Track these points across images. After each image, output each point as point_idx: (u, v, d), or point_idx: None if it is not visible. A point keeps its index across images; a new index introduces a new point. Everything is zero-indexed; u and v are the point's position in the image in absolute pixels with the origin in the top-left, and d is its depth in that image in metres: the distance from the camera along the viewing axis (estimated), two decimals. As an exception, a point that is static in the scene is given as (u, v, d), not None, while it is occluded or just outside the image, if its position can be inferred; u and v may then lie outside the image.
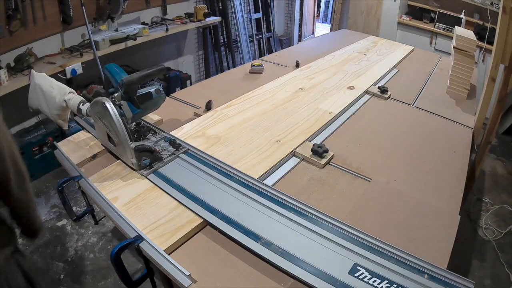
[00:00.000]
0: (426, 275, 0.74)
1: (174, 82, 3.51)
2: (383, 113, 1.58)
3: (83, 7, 2.57)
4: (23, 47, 2.45)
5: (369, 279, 0.73)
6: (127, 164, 1.09)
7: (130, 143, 1.02)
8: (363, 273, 0.74)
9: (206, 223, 0.89)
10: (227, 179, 1.02)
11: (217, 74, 3.65)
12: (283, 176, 1.11)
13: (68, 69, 2.44)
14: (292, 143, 1.25)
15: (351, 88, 1.75)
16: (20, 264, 0.87)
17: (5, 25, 2.33)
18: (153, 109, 1.21)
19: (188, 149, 1.16)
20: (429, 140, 1.39)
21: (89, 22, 2.63)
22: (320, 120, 1.42)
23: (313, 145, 1.20)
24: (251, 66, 2.01)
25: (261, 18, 4.70)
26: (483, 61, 3.45)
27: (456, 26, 2.45)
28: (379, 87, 1.75)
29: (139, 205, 0.94)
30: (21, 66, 2.34)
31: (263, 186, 0.99)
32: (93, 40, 2.63)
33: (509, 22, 1.39)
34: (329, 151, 1.20)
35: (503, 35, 1.42)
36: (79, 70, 2.52)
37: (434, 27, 3.83)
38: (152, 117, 1.38)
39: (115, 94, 1.07)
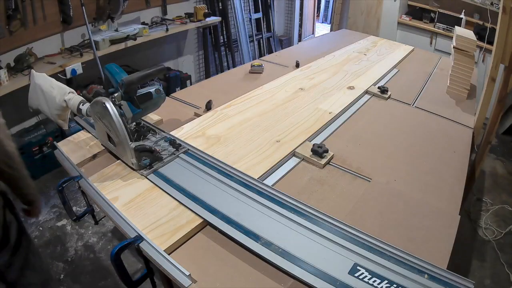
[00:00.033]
0: (426, 275, 0.74)
1: (174, 82, 3.51)
2: (383, 113, 1.58)
3: (83, 7, 2.57)
4: (23, 47, 2.45)
5: (369, 279, 0.73)
6: (127, 164, 1.09)
7: (130, 143, 1.02)
8: (363, 273, 0.74)
9: (206, 223, 0.89)
10: (227, 179, 1.02)
11: (217, 74, 3.65)
12: (283, 176, 1.11)
13: (68, 69, 2.44)
14: (292, 143, 1.25)
15: (351, 88, 1.75)
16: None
17: (5, 25, 2.33)
18: (153, 109, 1.21)
19: (188, 149, 1.16)
20: (429, 140, 1.39)
21: (89, 22, 2.63)
22: (320, 120, 1.42)
23: (313, 145, 1.21)
24: (251, 66, 2.01)
25: (261, 18, 4.70)
26: (483, 61, 3.45)
27: (456, 26, 2.45)
28: (379, 87, 1.75)
29: (139, 205, 0.94)
30: (21, 66, 2.34)
31: (263, 186, 0.99)
32: (93, 40, 2.63)
33: (509, 22, 1.39)
34: (329, 151, 1.20)
35: (503, 35, 1.42)
36: (79, 70, 2.52)
37: (434, 27, 3.83)
38: (152, 117, 1.38)
39: (115, 94, 1.07)
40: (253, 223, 0.87)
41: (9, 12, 2.30)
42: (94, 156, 1.18)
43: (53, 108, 1.16)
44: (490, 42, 3.15)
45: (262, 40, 4.78)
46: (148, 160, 1.05)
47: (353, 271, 0.75)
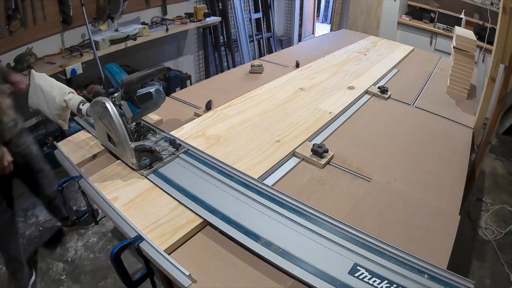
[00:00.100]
0: (426, 275, 0.74)
1: (174, 82, 3.51)
2: (383, 113, 1.58)
3: (83, 7, 2.57)
4: (23, 47, 2.45)
5: (369, 279, 0.73)
6: (127, 164, 1.09)
7: (130, 143, 1.02)
8: (363, 273, 0.74)
9: (206, 223, 0.89)
10: (227, 179, 1.02)
11: (217, 74, 3.65)
12: (283, 176, 1.11)
13: (68, 69, 2.45)
14: (292, 143, 1.25)
15: (351, 88, 1.75)
16: None
17: (5, 25, 2.33)
18: (153, 109, 1.21)
19: (188, 149, 1.16)
20: (429, 140, 1.39)
21: (89, 22, 2.63)
22: (320, 120, 1.42)
23: (313, 145, 1.20)
24: (251, 66, 2.01)
25: (261, 18, 4.70)
26: (483, 61, 3.45)
27: (456, 26, 2.45)
28: (379, 87, 1.75)
29: (139, 205, 0.94)
30: (21, 66, 2.34)
31: (263, 186, 0.99)
32: (93, 40, 2.63)
33: (509, 22, 1.39)
34: (329, 151, 1.20)
35: (503, 35, 1.42)
36: (79, 70, 2.52)
37: (434, 27, 3.83)
38: (152, 117, 1.38)
39: (115, 94, 1.07)
40: (253, 223, 0.87)
41: (9, 12, 2.30)
42: (94, 156, 1.18)
43: (53, 108, 1.16)
44: (490, 42, 3.15)
45: (262, 40, 4.78)
46: (148, 160, 1.05)
47: (353, 271, 0.75)
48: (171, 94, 1.67)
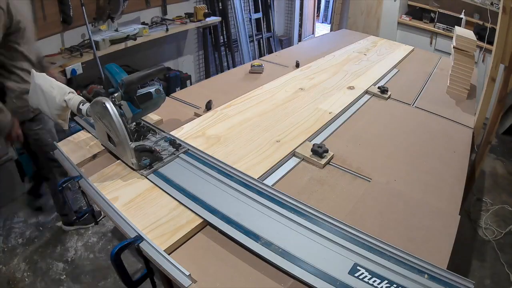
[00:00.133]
0: (426, 275, 0.74)
1: (174, 82, 3.51)
2: (383, 113, 1.58)
3: (83, 7, 2.57)
4: (23, 47, 2.44)
5: (369, 279, 0.73)
6: (127, 164, 1.09)
7: (130, 143, 1.02)
8: (363, 273, 0.74)
9: (206, 223, 0.89)
10: (227, 179, 1.02)
11: (217, 74, 3.65)
12: (283, 176, 1.11)
13: (68, 69, 2.45)
14: (292, 143, 1.25)
15: (351, 88, 1.76)
16: None
17: (5, 25, 2.32)
18: (153, 109, 1.21)
19: (188, 149, 1.16)
20: (429, 140, 1.39)
21: (89, 22, 2.63)
22: (320, 120, 1.42)
23: (313, 145, 1.20)
24: (251, 66, 2.01)
25: (261, 18, 4.71)
26: (483, 61, 3.45)
27: (456, 26, 2.45)
28: (379, 87, 1.75)
29: (139, 205, 0.94)
30: (21, 66, 2.33)
31: (263, 186, 0.99)
32: (93, 40, 2.63)
33: (509, 22, 1.39)
34: (329, 151, 1.20)
35: (503, 35, 1.42)
36: (79, 70, 2.52)
37: (434, 27, 3.84)
38: (152, 117, 1.38)
39: (115, 94, 1.07)
40: (253, 223, 0.87)
41: (9, 12, 2.29)
42: (94, 156, 1.18)
43: (53, 108, 1.16)
44: (490, 42, 3.15)
45: (262, 40, 4.78)
46: (148, 160, 1.05)
47: (353, 271, 0.75)
48: (171, 94, 1.67)
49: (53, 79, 1.17)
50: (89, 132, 1.29)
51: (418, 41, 3.86)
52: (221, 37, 4.20)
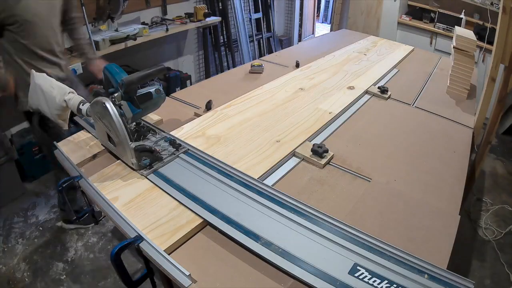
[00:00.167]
0: (426, 275, 0.74)
1: (174, 82, 3.51)
2: (383, 113, 1.58)
3: (83, 7, 2.57)
4: (23, 47, 2.44)
5: (369, 279, 0.73)
6: (127, 164, 1.09)
7: (130, 143, 1.02)
8: (363, 273, 0.74)
9: (206, 223, 0.89)
10: (227, 179, 1.02)
11: (217, 74, 3.65)
12: (283, 176, 1.11)
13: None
14: (292, 143, 1.25)
15: (351, 88, 1.76)
16: None
17: (5, 25, 2.32)
18: (153, 109, 1.21)
19: (188, 149, 1.16)
20: (429, 140, 1.39)
21: (89, 22, 2.63)
22: (320, 120, 1.43)
23: (313, 145, 1.20)
24: (251, 66, 2.01)
25: (261, 18, 4.71)
26: (483, 61, 3.45)
27: (456, 26, 2.45)
28: (379, 87, 1.75)
29: (139, 205, 0.94)
30: (21, 66, 2.33)
31: (263, 186, 0.99)
32: (93, 40, 2.63)
33: (509, 22, 1.39)
34: (329, 151, 1.20)
35: (503, 35, 1.42)
36: (79, 70, 2.52)
37: (434, 27, 3.84)
38: (152, 117, 1.38)
39: (115, 94, 1.07)
40: (253, 223, 0.87)
41: (9, 12, 2.29)
42: (94, 156, 1.18)
43: (53, 108, 1.16)
44: (490, 42, 3.15)
45: (262, 40, 4.78)
46: (148, 160, 1.05)
47: (353, 271, 0.75)
48: (171, 94, 1.67)
49: (53, 79, 1.18)
50: (89, 132, 1.29)
51: (418, 41, 3.86)
52: (221, 37, 4.20)
